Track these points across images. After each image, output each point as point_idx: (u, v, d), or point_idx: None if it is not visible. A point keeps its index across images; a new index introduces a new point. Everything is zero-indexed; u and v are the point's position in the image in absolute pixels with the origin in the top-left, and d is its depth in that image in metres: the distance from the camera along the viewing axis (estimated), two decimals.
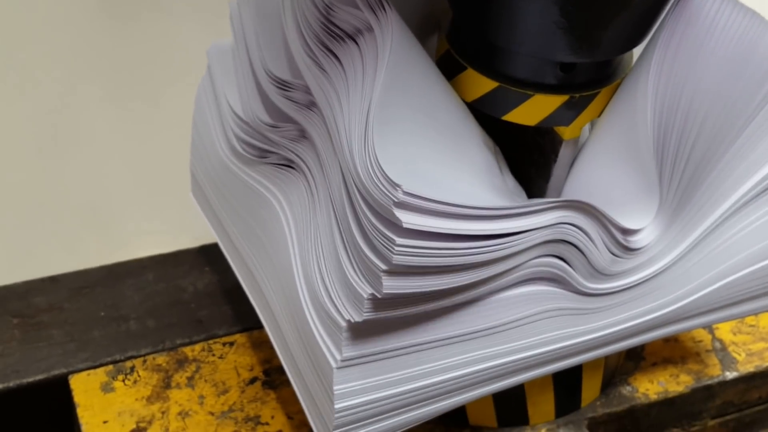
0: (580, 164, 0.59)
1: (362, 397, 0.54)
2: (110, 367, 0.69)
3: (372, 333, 0.52)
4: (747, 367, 0.73)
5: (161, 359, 0.70)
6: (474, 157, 0.55)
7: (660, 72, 0.54)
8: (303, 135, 0.58)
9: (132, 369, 0.69)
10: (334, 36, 0.53)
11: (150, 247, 0.79)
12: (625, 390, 0.71)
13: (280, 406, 0.67)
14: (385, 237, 0.48)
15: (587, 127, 0.59)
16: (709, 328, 0.76)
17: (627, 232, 0.57)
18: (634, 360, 0.73)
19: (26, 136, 0.89)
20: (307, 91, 0.56)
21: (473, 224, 0.50)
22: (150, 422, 0.65)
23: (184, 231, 0.83)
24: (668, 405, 0.71)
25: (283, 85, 0.58)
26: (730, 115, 0.54)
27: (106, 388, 0.67)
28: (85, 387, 0.67)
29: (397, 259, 0.48)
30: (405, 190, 0.47)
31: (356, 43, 0.53)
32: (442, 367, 0.56)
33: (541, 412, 0.67)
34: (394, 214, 0.47)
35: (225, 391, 0.68)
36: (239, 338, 0.72)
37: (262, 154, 0.61)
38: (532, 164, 0.59)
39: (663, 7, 0.54)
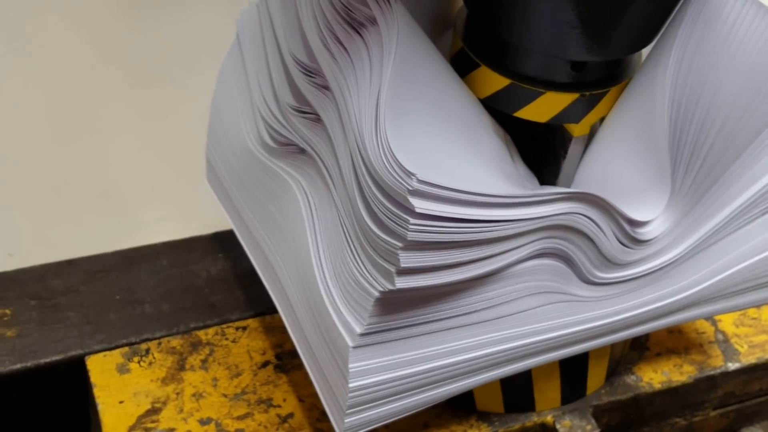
0: (592, 155, 0.60)
1: (376, 376, 0.55)
2: (126, 348, 0.70)
3: (391, 311, 0.54)
4: (749, 359, 0.74)
5: (176, 342, 0.71)
6: (485, 146, 0.56)
7: (678, 70, 0.55)
8: (320, 120, 0.59)
9: (147, 351, 0.70)
10: (344, 28, 0.54)
11: (164, 234, 0.80)
12: (630, 379, 0.72)
13: (291, 389, 0.68)
14: (399, 217, 0.49)
15: (597, 124, 0.60)
16: (712, 320, 0.76)
17: (635, 223, 0.57)
18: (638, 350, 0.73)
19: (45, 124, 0.90)
20: (324, 77, 0.58)
21: (485, 211, 0.51)
22: (165, 403, 0.66)
23: (198, 218, 0.83)
24: (671, 394, 0.72)
25: (307, 70, 0.58)
26: (749, 120, 0.55)
27: (122, 369, 0.68)
28: (101, 368, 0.68)
29: (412, 236, 0.49)
30: (420, 178, 0.48)
31: (362, 37, 0.54)
32: (453, 350, 0.57)
33: (547, 398, 0.68)
34: (408, 201, 0.48)
35: (238, 374, 0.69)
36: (252, 323, 0.72)
37: (287, 140, 0.62)
38: (541, 160, 0.60)
39: (674, 7, 0.54)
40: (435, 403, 0.59)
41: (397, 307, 0.54)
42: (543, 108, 0.57)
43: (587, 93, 0.57)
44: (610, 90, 0.57)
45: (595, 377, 0.69)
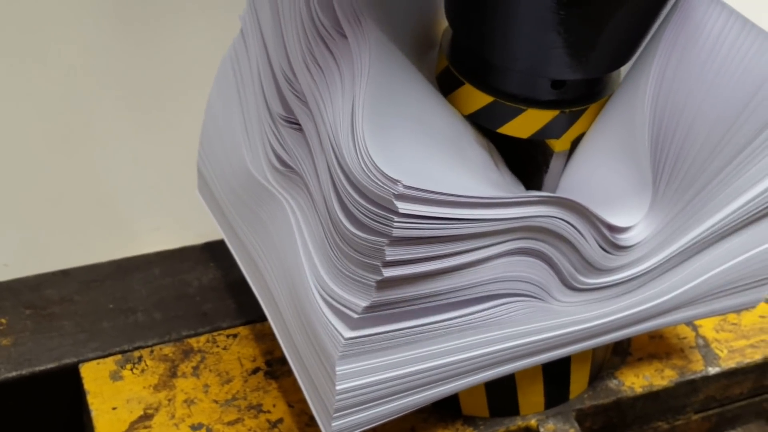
0: (575, 165, 0.60)
1: (363, 379, 0.56)
2: (119, 356, 0.70)
3: (377, 315, 0.54)
4: (729, 363, 0.75)
5: (168, 350, 0.71)
6: (469, 156, 0.56)
7: (660, 86, 0.55)
8: (302, 129, 0.59)
9: (140, 359, 0.70)
10: (318, 43, 0.55)
11: (157, 244, 0.80)
12: (612, 383, 0.72)
13: (281, 395, 0.69)
14: (382, 217, 0.50)
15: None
16: (692, 325, 0.77)
17: (615, 229, 0.58)
18: (620, 355, 0.74)
19: (40, 135, 0.90)
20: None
21: (467, 210, 0.51)
22: (157, 409, 0.67)
23: (190, 228, 0.84)
24: (653, 398, 0.73)
25: (289, 79, 0.59)
26: (734, 136, 0.55)
27: (115, 376, 0.69)
28: (94, 375, 0.69)
29: (397, 232, 0.50)
30: (405, 183, 0.49)
31: (332, 54, 0.54)
32: (438, 352, 0.57)
33: (531, 403, 0.69)
34: (393, 204, 0.49)
35: (229, 381, 0.70)
36: (242, 330, 0.73)
37: (276, 154, 0.62)
38: (525, 174, 0.61)
39: (651, 26, 0.55)
40: (421, 407, 0.60)
41: (383, 310, 0.55)
42: (525, 124, 0.58)
43: (567, 110, 0.58)
44: (590, 106, 0.59)
45: (578, 382, 0.70)
